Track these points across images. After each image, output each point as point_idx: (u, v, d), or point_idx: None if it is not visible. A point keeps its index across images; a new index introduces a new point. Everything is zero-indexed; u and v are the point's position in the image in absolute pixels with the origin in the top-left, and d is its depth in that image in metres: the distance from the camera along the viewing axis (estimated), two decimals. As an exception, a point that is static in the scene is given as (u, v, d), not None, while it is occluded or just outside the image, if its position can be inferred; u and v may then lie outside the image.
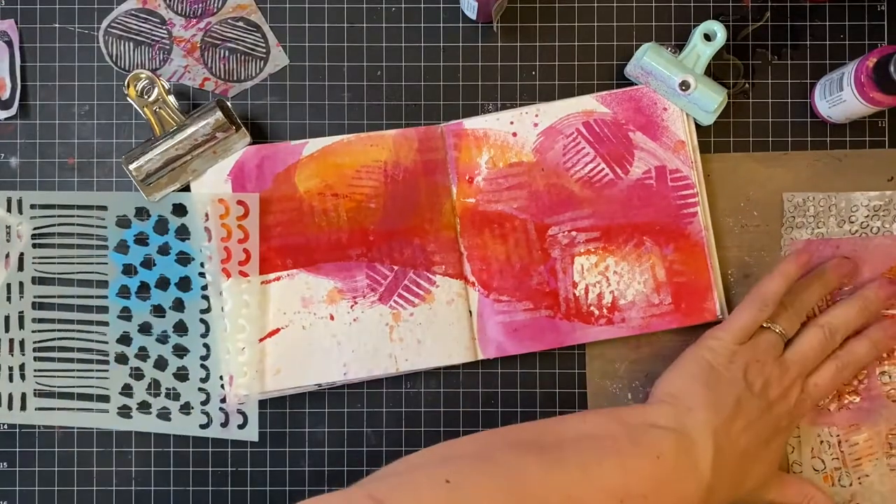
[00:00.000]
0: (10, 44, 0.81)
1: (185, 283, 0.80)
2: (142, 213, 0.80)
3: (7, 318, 0.80)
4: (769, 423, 0.75)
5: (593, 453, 0.70)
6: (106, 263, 0.80)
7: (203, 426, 0.80)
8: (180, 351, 0.80)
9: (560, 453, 0.70)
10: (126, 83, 0.78)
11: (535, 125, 0.80)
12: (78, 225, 0.80)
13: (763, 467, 0.75)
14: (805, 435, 0.82)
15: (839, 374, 0.77)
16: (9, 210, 0.80)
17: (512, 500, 0.67)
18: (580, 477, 0.68)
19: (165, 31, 0.81)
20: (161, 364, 0.80)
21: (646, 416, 0.73)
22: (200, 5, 0.81)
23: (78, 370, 0.80)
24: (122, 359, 0.80)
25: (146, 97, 0.78)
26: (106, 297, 0.80)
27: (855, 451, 0.81)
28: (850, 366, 0.78)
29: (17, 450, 0.81)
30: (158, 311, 0.80)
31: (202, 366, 0.80)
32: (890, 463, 0.81)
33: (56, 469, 0.81)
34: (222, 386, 0.80)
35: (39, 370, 0.80)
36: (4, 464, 0.81)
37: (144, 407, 0.80)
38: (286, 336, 0.80)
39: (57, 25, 0.81)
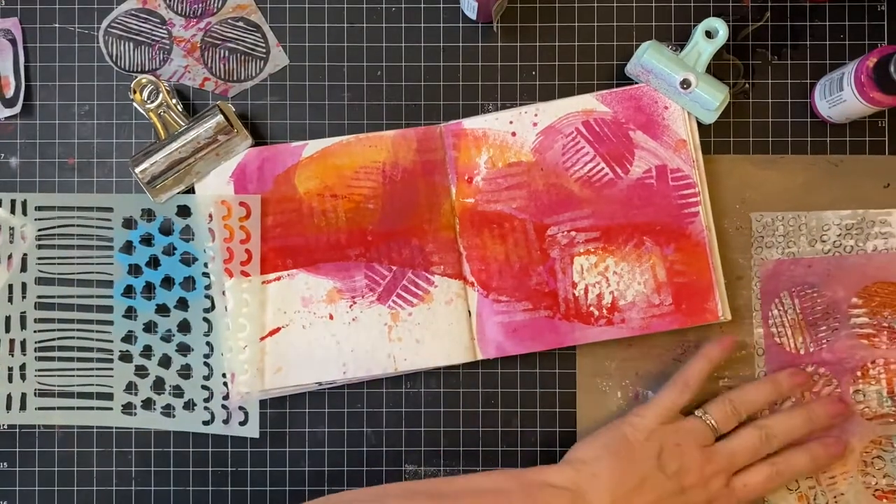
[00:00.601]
0: (13, 42, 0.81)
1: (188, 283, 0.81)
2: (147, 214, 0.81)
3: (8, 319, 0.80)
4: None
5: None
6: (111, 264, 0.81)
7: (206, 423, 0.80)
8: (184, 349, 0.81)
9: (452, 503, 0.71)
10: (132, 89, 0.79)
11: (535, 125, 0.80)
12: (82, 226, 0.81)
13: None
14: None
15: (773, 481, 0.77)
16: (12, 212, 0.80)
17: None
18: None
19: (165, 31, 0.81)
20: (165, 362, 0.81)
21: (546, 476, 0.74)
22: (200, 5, 0.81)
23: (79, 369, 0.81)
24: (126, 357, 0.81)
25: (151, 102, 0.79)
26: (109, 296, 0.81)
27: (830, 469, 0.81)
28: (784, 474, 0.77)
29: (17, 450, 0.81)
30: (163, 310, 0.81)
31: (205, 364, 0.80)
32: (865, 481, 0.81)
33: (56, 469, 0.81)
34: (225, 383, 0.80)
35: (41, 370, 0.80)
36: (4, 464, 0.81)
37: (148, 404, 0.81)
38: (286, 335, 0.80)
39: (57, 25, 0.81)
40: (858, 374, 0.81)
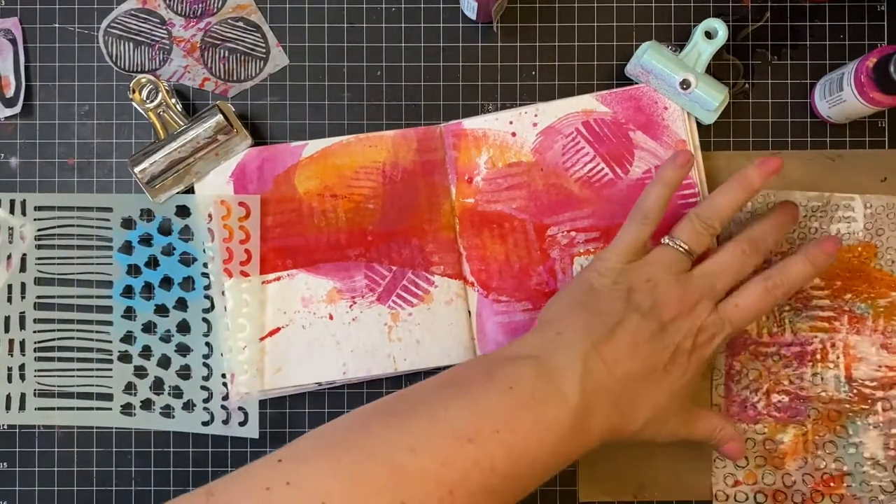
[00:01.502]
0: (13, 42, 0.81)
1: (188, 283, 0.80)
2: (146, 214, 0.80)
3: (8, 319, 0.80)
4: (663, 346, 0.68)
5: (443, 400, 0.65)
6: (110, 264, 0.81)
7: (205, 423, 0.80)
8: (183, 349, 0.81)
9: (413, 409, 0.65)
10: (131, 88, 0.79)
11: (535, 125, 0.80)
12: (81, 226, 0.80)
13: (661, 397, 0.68)
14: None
15: (768, 295, 0.70)
16: (11, 212, 0.80)
17: (345, 470, 0.61)
18: (426, 427, 0.63)
19: (165, 31, 0.81)
20: (164, 362, 0.81)
21: (512, 349, 0.69)
22: (200, 5, 0.81)
23: (79, 370, 0.80)
24: (125, 357, 0.81)
25: (150, 101, 0.79)
26: (108, 296, 0.81)
27: (780, 449, 0.80)
28: (781, 286, 0.70)
29: (17, 450, 0.81)
30: (162, 310, 0.81)
31: (204, 364, 0.80)
32: (815, 464, 0.80)
33: (56, 469, 0.81)
34: (224, 384, 0.80)
35: (40, 370, 0.80)
36: (4, 464, 0.81)
37: (147, 405, 0.81)
38: (286, 335, 0.80)
39: (57, 25, 0.81)
40: (818, 357, 0.81)
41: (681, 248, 0.71)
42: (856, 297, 0.81)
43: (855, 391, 0.80)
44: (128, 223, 0.81)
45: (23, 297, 0.80)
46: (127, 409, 0.81)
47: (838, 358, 0.81)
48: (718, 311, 0.70)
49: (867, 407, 0.80)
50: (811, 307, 0.81)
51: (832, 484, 0.80)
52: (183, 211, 0.80)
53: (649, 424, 0.68)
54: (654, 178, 0.73)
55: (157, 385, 0.81)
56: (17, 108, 0.81)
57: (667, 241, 0.71)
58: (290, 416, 0.81)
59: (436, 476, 0.61)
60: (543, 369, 0.66)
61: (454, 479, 0.61)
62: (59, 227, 0.81)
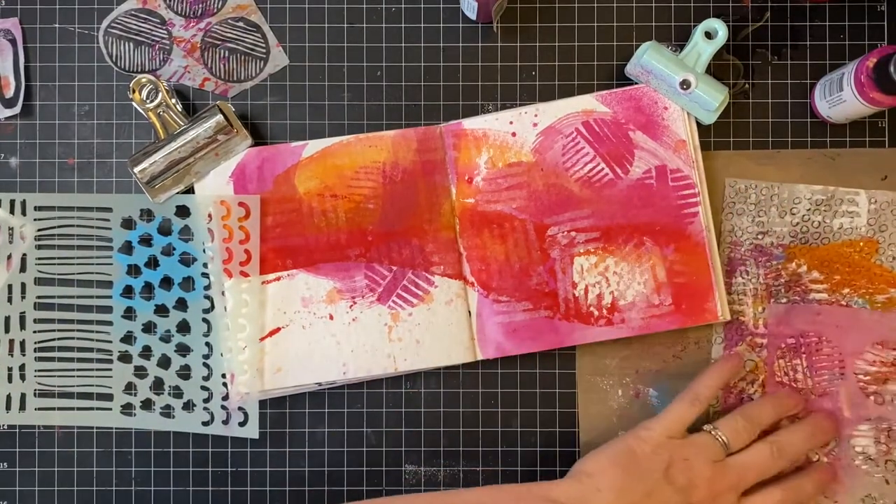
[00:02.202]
0: (13, 42, 0.81)
1: (188, 283, 0.80)
2: (146, 214, 0.80)
3: (8, 319, 0.80)
4: None
5: None
6: (110, 264, 0.81)
7: (205, 423, 0.80)
8: (183, 350, 0.81)
9: None
10: (131, 88, 0.79)
11: (535, 125, 0.80)
12: (81, 226, 0.81)
13: None
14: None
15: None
16: (12, 212, 0.80)
17: None
18: None
19: (165, 32, 0.81)
20: (164, 362, 0.81)
21: (549, 492, 0.73)
22: (200, 5, 0.81)
23: (79, 370, 0.81)
24: (125, 357, 0.81)
25: (150, 101, 0.79)
26: (108, 297, 0.81)
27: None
28: (793, 500, 0.76)
29: (17, 450, 0.81)
30: (162, 310, 0.81)
31: (204, 364, 0.80)
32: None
33: (56, 469, 0.81)
34: (224, 384, 0.80)
35: (40, 370, 0.80)
36: (4, 464, 0.81)
37: (147, 405, 0.81)
38: (286, 335, 0.80)
39: (57, 26, 0.81)
40: (813, 350, 0.81)
41: (720, 440, 0.76)
42: (854, 292, 0.81)
43: (849, 385, 0.81)
44: (128, 223, 0.81)
45: (23, 297, 0.80)
46: (127, 409, 0.81)
47: (834, 351, 0.81)
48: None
49: (860, 401, 0.80)
50: (809, 300, 0.81)
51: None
52: (183, 211, 0.80)
53: None
54: (710, 368, 0.79)
55: (157, 385, 0.81)
56: (17, 109, 0.81)
57: (709, 429, 0.76)
58: (290, 416, 0.81)
59: None
60: None
61: None
62: (59, 227, 0.81)
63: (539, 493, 0.73)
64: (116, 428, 0.81)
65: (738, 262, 0.81)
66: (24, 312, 0.80)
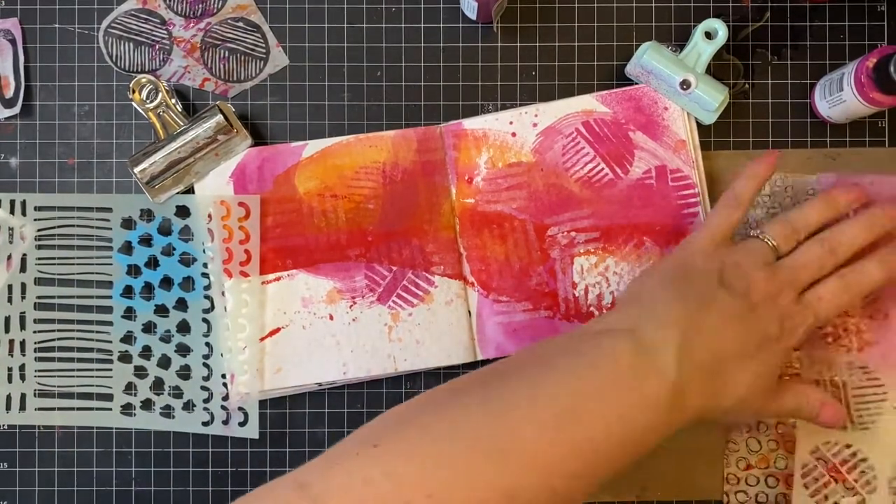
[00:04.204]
0: (13, 42, 0.81)
1: (187, 284, 0.80)
2: (146, 214, 0.81)
3: (8, 319, 0.80)
4: (754, 328, 0.68)
5: (540, 379, 0.63)
6: (110, 264, 0.81)
7: (205, 423, 0.80)
8: (183, 350, 0.81)
9: (501, 384, 0.64)
10: (131, 88, 0.79)
11: (535, 125, 0.80)
12: (81, 226, 0.81)
13: (750, 377, 0.67)
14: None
15: (845, 293, 0.70)
16: (12, 212, 0.80)
17: (447, 460, 0.59)
18: (526, 410, 0.61)
19: (165, 32, 0.81)
20: (164, 363, 0.81)
21: (603, 322, 0.68)
22: (200, 5, 0.81)
23: (79, 370, 0.81)
24: (125, 358, 0.81)
25: (150, 101, 0.79)
26: (108, 297, 0.81)
27: (793, 433, 0.80)
28: (856, 285, 0.71)
29: (17, 450, 0.81)
30: (162, 310, 0.81)
31: (204, 364, 0.80)
32: (828, 450, 0.80)
33: (56, 469, 0.81)
34: (224, 384, 0.80)
35: (40, 370, 0.80)
36: (4, 464, 0.81)
37: (147, 405, 0.81)
38: (286, 335, 0.80)
39: (57, 26, 0.81)
40: (830, 340, 0.80)
41: (770, 243, 0.71)
42: None
43: (867, 376, 0.80)
44: (128, 223, 0.81)
45: (23, 298, 0.80)
46: (127, 409, 0.81)
47: (851, 342, 0.80)
48: (801, 301, 0.70)
49: (879, 392, 0.80)
50: None
51: (844, 470, 0.80)
52: (183, 211, 0.80)
53: (738, 404, 0.68)
54: (745, 172, 0.74)
55: (157, 385, 0.81)
56: (17, 109, 0.81)
57: (757, 233, 0.72)
58: (290, 416, 0.81)
59: (542, 463, 0.60)
60: (640, 343, 0.64)
61: (558, 464, 0.60)
62: (59, 227, 0.81)
63: (593, 329, 0.68)
64: (116, 428, 0.81)
65: None
66: (24, 312, 0.80)
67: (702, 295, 0.67)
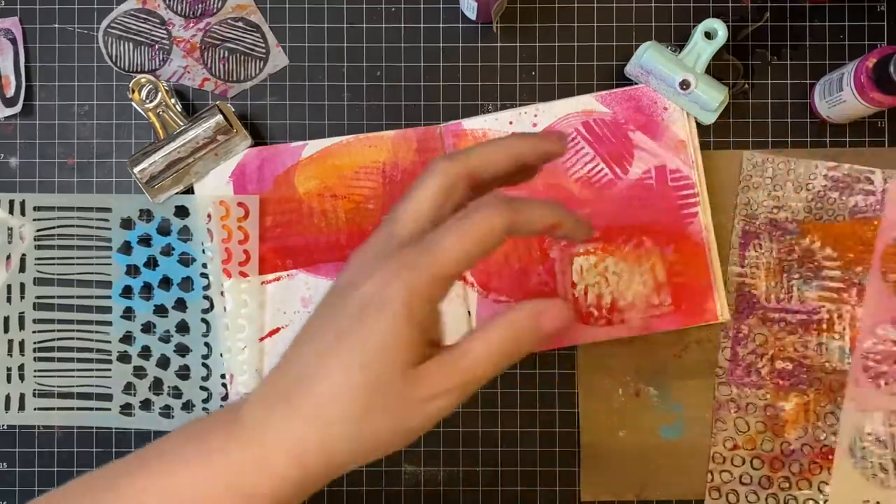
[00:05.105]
0: (13, 42, 0.81)
1: (187, 284, 0.80)
2: (146, 215, 0.80)
3: (7, 320, 0.80)
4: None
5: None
6: (109, 264, 0.81)
7: (204, 425, 0.80)
8: (182, 350, 0.81)
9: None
10: (131, 88, 0.79)
11: (534, 125, 0.80)
12: (80, 227, 0.81)
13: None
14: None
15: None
16: (11, 212, 0.80)
17: None
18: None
19: (165, 32, 0.81)
20: (163, 363, 0.81)
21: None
22: (200, 5, 0.81)
23: (78, 370, 0.80)
24: (124, 358, 0.81)
25: (149, 101, 0.79)
26: (108, 297, 0.81)
27: (781, 416, 0.81)
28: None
29: (17, 450, 0.81)
30: (161, 310, 0.81)
31: (204, 364, 0.80)
32: (815, 436, 0.80)
33: (56, 469, 0.81)
34: (224, 384, 0.80)
35: (40, 371, 0.80)
36: (4, 464, 0.81)
37: (147, 405, 0.81)
38: (286, 335, 0.80)
39: (57, 25, 0.81)
40: (824, 326, 0.81)
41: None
42: (867, 271, 0.81)
43: (859, 363, 0.80)
44: (127, 223, 0.81)
45: (22, 298, 0.80)
46: (126, 409, 0.81)
47: (844, 329, 0.80)
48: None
49: (870, 381, 0.80)
50: (821, 276, 0.81)
51: (831, 457, 0.80)
52: (182, 211, 0.80)
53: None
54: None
55: (157, 385, 0.81)
56: (17, 108, 0.81)
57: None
58: (290, 416, 0.81)
59: None
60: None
61: None
62: (58, 227, 0.81)
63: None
64: (116, 428, 0.81)
65: (752, 236, 0.81)
66: (23, 312, 0.80)
67: (337, 324, 0.55)
